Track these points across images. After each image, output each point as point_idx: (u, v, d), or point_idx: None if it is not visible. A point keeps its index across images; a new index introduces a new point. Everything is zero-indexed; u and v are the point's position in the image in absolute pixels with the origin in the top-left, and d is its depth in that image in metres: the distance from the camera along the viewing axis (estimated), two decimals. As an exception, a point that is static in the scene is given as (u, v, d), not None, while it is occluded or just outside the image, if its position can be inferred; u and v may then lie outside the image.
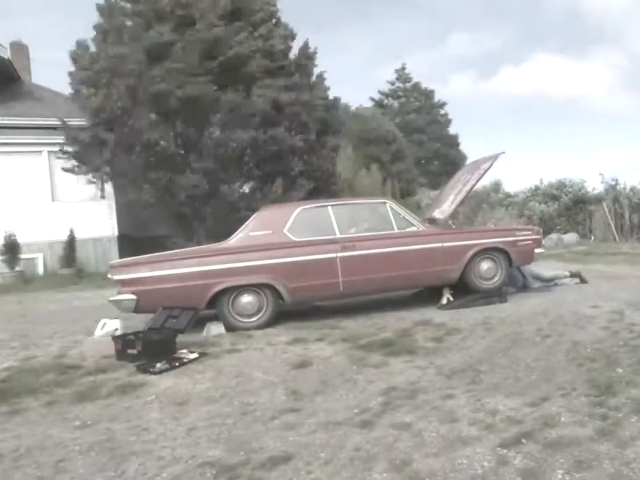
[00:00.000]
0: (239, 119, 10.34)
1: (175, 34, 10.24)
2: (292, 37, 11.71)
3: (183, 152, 10.70)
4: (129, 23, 10.64)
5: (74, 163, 11.25)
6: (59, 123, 11.34)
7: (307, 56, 11.75)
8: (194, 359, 4.50)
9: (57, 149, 11.63)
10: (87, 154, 11.03)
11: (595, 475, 2.32)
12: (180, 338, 4.91)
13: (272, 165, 10.90)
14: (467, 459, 2.52)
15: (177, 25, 10.39)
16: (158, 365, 4.29)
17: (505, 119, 54.22)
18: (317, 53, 11.93)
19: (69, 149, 11.29)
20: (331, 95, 13.01)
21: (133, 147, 10.35)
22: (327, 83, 12.37)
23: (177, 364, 4.36)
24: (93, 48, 11.04)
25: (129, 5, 10.99)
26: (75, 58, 10.88)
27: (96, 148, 10.82)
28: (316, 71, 12.09)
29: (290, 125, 10.90)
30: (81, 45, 10.91)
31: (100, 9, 10.93)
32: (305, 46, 11.79)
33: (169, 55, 10.13)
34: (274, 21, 11.55)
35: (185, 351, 4.68)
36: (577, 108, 52.40)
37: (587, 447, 2.55)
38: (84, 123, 11.09)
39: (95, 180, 11.73)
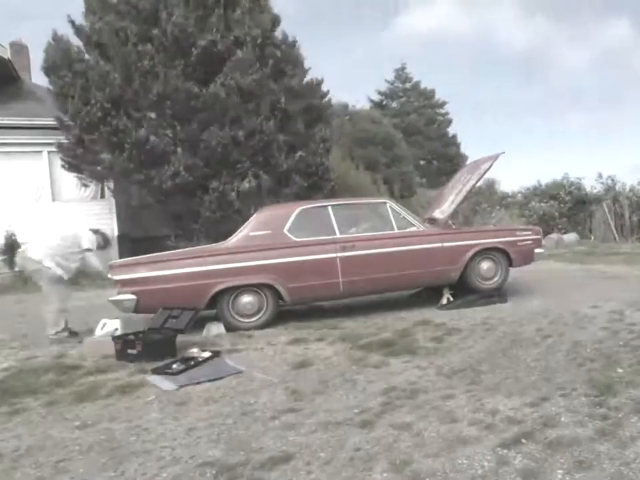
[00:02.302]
0: (212, 115, 10.18)
1: (132, 25, 10.10)
2: (276, 22, 11.38)
3: (171, 149, 10.59)
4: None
5: (70, 160, 11.26)
6: (54, 122, 11.35)
7: (288, 44, 11.51)
8: (208, 358, 4.47)
9: (56, 149, 11.65)
10: (75, 156, 11.03)
11: (595, 474, 2.33)
12: (180, 338, 4.91)
13: (261, 162, 10.73)
14: (467, 459, 2.52)
15: (146, 22, 10.27)
16: (174, 365, 4.27)
17: (505, 118, 54.18)
18: (296, 41, 11.65)
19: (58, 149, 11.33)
20: (330, 95, 12.70)
21: (121, 147, 10.27)
22: (315, 74, 12.07)
23: (192, 363, 4.34)
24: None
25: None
26: (48, 52, 10.79)
27: (81, 150, 10.80)
28: (306, 64, 11.84)
29: (272, 115, 10.65)
30: (57, 38, 10.81)
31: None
32: (284, 36, 11.53)
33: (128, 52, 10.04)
34: (264, 9, 11.23)
35: (196, 350, 4.64)
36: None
37: (587, 447, 2.55)
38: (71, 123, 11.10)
39: (87, 183, 11.76)
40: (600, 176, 16.09)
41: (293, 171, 10.93)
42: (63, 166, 11.55)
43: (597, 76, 50.11)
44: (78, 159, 11.18)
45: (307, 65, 11.87)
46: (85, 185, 12.02)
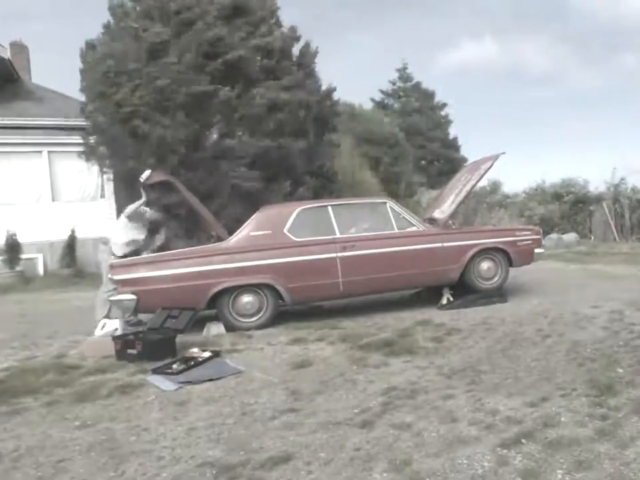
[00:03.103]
0: (246, 124, 10.35)
1: (173, 32, 10.25)
2: (295, 37, 11.70)
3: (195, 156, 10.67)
4: (135, 25, 10.61)
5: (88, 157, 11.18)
6: (55, 122, 11.34)
7: (308, 55, 11.75)
8: (208, 358, 4.46)
9: (57, 149, 11.64)
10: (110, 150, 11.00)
11: (595, 475, 2.32)
12: (180, 338, 4.91)
13: (276, 167, 10.90)
14: (467, 459, 2.52)
15: (178, 25, 10.41)
16: (174, 365, 4.26)
17: (506, 117, 54.25)
18: (317, 52, 11.93)
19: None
20: (325, 87, 12.93)
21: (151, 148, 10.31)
22: (324, 79, 12.32)
23: (192, 363, 4.33)
24: (99, 48, 11.04)
25: (135, 6, 11.00)
26: (84, 58, 10.86)
27: (121, 143, 10.77)
28: (318, 70, 12.11)
29: (294, 127, 10.88)
30: (89, 45, 10.91)
31: (112, 8, 10.97)
32: (307, 46, 11.80)
33: (166, 54, 10.13)
34: (274, 19, 11.56)
35: (196, 350, 4.64)
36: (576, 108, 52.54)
37: (587, 447, 2.55)
38: (85, 123, 11.07)
39: (108, 178, 11.71)
40: (612, 174, 15.87)
41: (306, 174, 11.15)
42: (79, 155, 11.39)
43: (599, 86, 50.51)
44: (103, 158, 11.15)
45: (318, 71, 12.16)
46: (109, 180, 11.94)
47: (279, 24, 11.51)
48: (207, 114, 10.38)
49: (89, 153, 11.09)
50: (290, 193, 10.61)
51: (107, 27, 10.98)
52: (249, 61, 10.47)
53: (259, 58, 10.64)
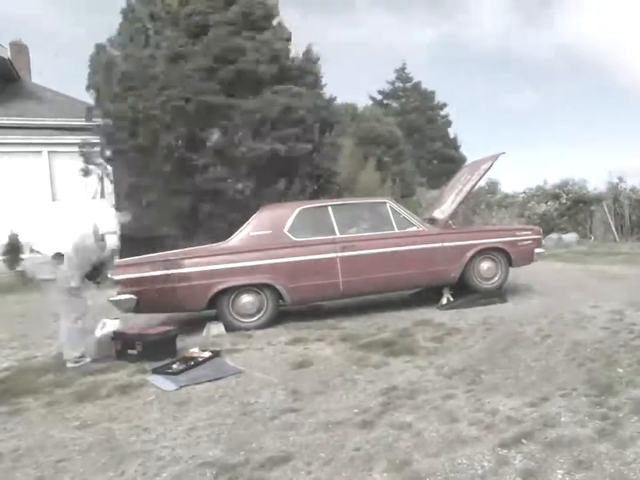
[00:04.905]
0: (254, 127, 10.44)
1: (189, 40, 10.39)
2: (288, 37, 11.78)
3: (199, 157, 10.73)
4: (148, 27, 10.74)
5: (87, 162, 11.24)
6: (55, 122, 11.41)
7: (311, 60, 11.82)
8: (208, 358, 4.46)
9: (57, 149, 11.67)
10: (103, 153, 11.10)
11: (595, 474, 2.32)
12: (180, 338, 4.91)
13: (278, 167, 10.93)
14: (467, 459, 2.52)
15: (190, 32, 10.51)
16: (174, 365, 4.27)
17: (506, 117, 54.21)
18: (319, 57, 12.03)
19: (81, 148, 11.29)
20: (329, 93, 13.05)
21: (154, 152, 10.37)
22: (324, 82, 12.46)
23: (192, 363, 4.33)
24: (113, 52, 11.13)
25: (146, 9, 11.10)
26: (95, 62, 10.93)
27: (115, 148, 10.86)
28: (320, 73, 12.21)
29: (299, 131, 10.95)
30: (100, 48, 10.97)
31: (124, 12, 11.05)
32: (308, 51, 11.86)
33: (184, 60, 10.25)
34: (275, 21, 11.63)
35: (196, 350, 4.64)
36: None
37: (587, 447, 2.55)
38: (86, 123, 11.13)
39: (100, 177, 11.76)
40: (609, 174, 15.83)
41: (305, 176, 11.20)
42: (82, 169, 11.43)
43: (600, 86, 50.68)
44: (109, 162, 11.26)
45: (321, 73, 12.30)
46: (102, 180, 12.01)
47: (280, 30, 11.59)
48: (212, 118, 10.48)
49: (88, 155, 11.14)
50: (284, 193, 10.65)
51: (118, 30, 11.11)
52: (259, 67, 10.60)
53: (266, 62, 10.73)
